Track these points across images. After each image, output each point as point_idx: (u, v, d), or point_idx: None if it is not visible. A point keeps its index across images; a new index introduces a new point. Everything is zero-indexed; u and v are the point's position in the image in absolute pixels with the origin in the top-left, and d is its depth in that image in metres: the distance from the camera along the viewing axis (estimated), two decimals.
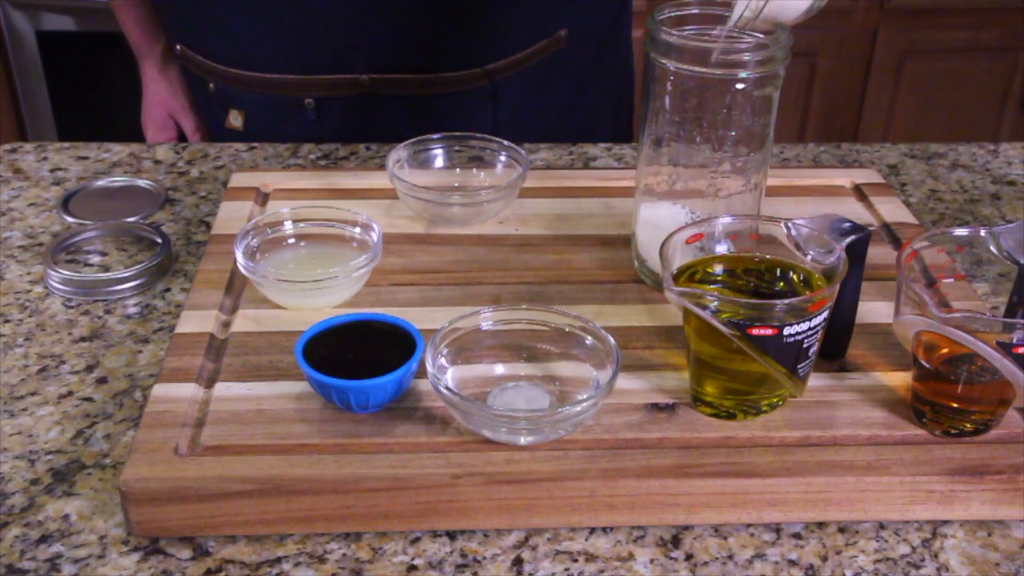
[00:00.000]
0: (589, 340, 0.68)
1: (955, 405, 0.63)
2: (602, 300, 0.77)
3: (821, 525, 0.63)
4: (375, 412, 0.65)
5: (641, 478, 0.60)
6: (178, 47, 1.14)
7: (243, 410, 0.65)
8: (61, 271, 0.83)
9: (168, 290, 0.83)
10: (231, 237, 0.79)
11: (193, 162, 1.04)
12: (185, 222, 0.93)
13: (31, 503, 0.63)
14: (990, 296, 0.75)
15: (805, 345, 0.62)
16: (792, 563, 0.60)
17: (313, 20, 1.03)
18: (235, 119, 1.12)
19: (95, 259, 0.87)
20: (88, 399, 0.72)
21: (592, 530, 0.62)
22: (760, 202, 0.77)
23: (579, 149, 1.07)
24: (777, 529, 0.62)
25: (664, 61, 0.70)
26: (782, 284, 0.68)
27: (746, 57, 0.69)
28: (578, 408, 0.61)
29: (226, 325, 0.74)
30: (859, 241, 0.66)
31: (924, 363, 0.63)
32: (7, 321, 0.79)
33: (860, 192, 0.93)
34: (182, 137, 1.26)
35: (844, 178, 0.95)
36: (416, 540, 0.61)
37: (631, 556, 0.60)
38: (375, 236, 0.78)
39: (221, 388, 0.67)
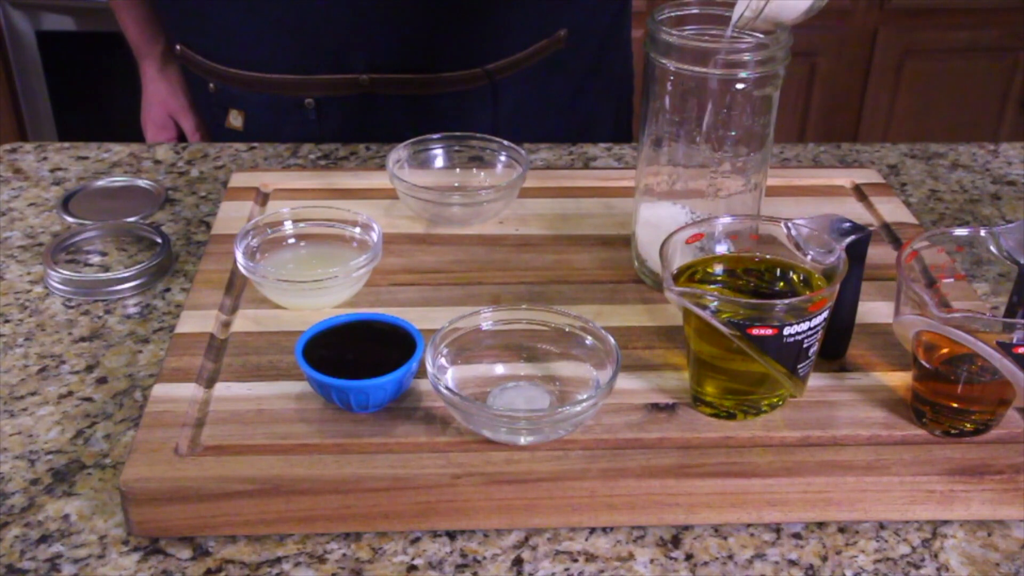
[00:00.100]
0: (589, 340, 0.68)
1: (955, 405, 0.63)
2: (602, 300, 0.77)
3: (821, 525, 0.63)
4: (375, 412, 0.65)
5: (641, 478, 0.60)
6: (178, 47, 1.14)
7: (243, 410, 0.65)
8: (61, 271, 0.83)
9: (168, 290, 0.83)
10: (231, 237, 0.79)
11: (193, 162, 1.04)
12: (185, 222, 0.93)
13: (31, 503, 0.63)
14: (990, 296, 0.75)
15: (805, 345, 0.62)
16: (792, 563, 0.60)
17: (313, 20, 1.03)
18: (235, 119, 1.12)
19: (95, 259, 0.87)
20: (88, 399, 0.72)
21: (592, 530, 0.62)
22: (760, 202, 0.77)
23: (579, 149, 1.07)
24: (777, 529, 0.62)
25: (664, 61, 0.70)
26: (782, 284, 0.68)
27: (746, 57, 0.69)
28: (578, 408, 0.61)
29: (226, 325, 0.74)
30: (859, 241, 0.66)
31: (924, 363, 0.63)
32: (7, 321, 0.79)
33: (860, 192, 0.93)
34: (182, 137, 1.26)
35: (844, 178, 0.95)
36: (416, 540, 0.61)
37: (631, 556, 0.60)
38: (375, 236, 0.78)
39: (221, 388, 0.67)
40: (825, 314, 0.62)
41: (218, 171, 1.02)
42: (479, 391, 0.67)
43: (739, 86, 0.70)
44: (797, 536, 0.62)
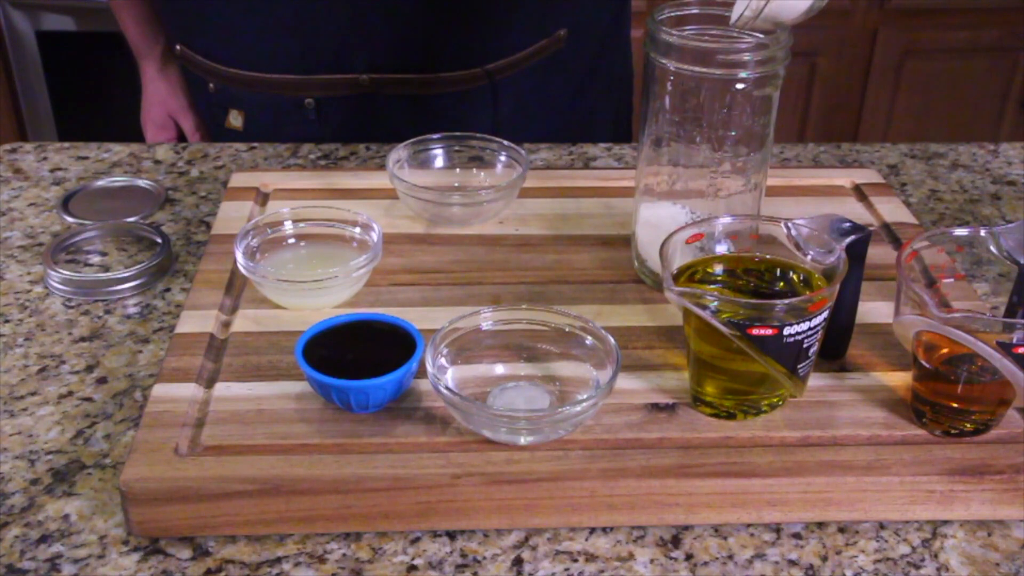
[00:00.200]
0: (589, 340, 0.68)
1: (955, 405, 0.63)
2: (602, 300, 0.77)
3: (821, 525, 0.63)
4: (375, 412, 0.65)
5: (641, 478, 0.60)
6: (178, 47, 1.14)
7: (243, 410, 0.65)
8: (61, 271, 0.83)
9: (168, 290, 0.83)
10: (231, 237, 0.79)
11: (193, 162, 1.04)
12: (185, 222, 0.93)
13: (31, 503, 0.63)
14: (990, 296, 0.75)
15: (805, 345, 0.62)
16: (792, 563, 0.60)
17: (313, 20, 1.03)
18: (235, 119, 1.12)
19: (95, 259, 0.87)
20: (88, 399, 0.72)
21: (592, 530, 0.62)
22: (760, 202, 0.77)
23: (579, 149, 1.07)
24: (777, 529, 0.62)
25: (664, 61, 0.70)
26: (782, 284, 0.68)
27: (746, 57, 0.69)
28: (578, 408, 0.61)
29: (226, 325, 0.74)
30: (859, 241, 0.66)
31: (924, 363, 0.63)
32: (7, 321, 0.79)
33: (860, 192, 0.93)
34: (182, 137, 1.26)
35: (844, 178, 0.95)
36: (416, 540, 0.61)
37: (631, 556, 0.60)
38: (375, 236, 0.78)
39: (221, 388, 0.67)
40: (825, 314, 0.62)
41: (218, 171, 1.02)
42: (479, 391, 0.67)
43: (739, 86, 0.70)
44: (797, 536, 0.62)
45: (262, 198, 0.91)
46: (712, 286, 0.68)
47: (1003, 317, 0.68)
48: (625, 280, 0.80)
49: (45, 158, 1.04)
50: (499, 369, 0.69)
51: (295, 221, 0.81)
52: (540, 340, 0.69)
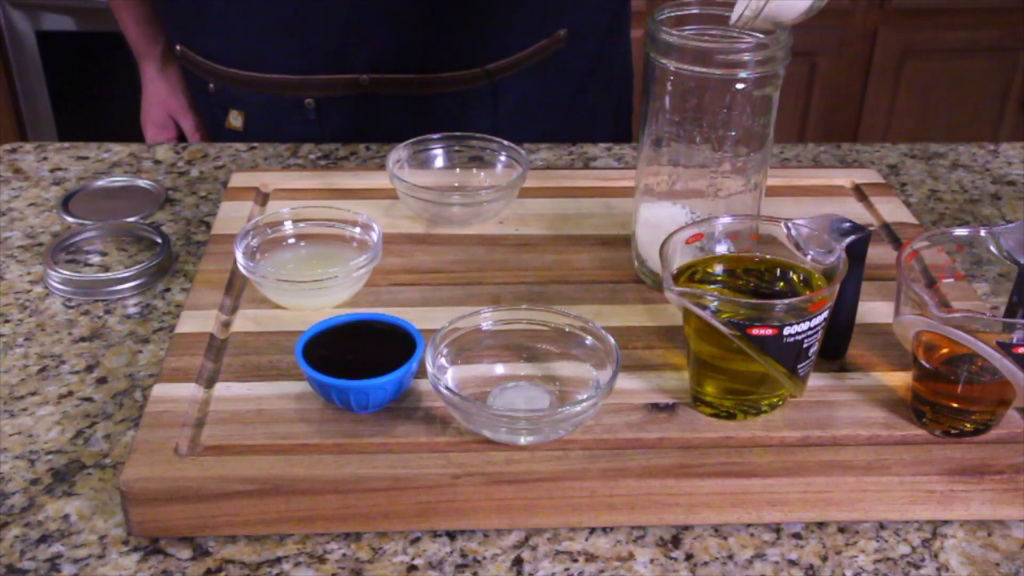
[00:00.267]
0: (589, 340, 0.68)
1: (955, 405, 0.63)
2: (602, 300, 0.77)
3: (821, 525, 0.63)
4: (375, 412, 0.65)
5: (641, 478, 0.60)
6: (178, 47, 1.14)
7: (243, 410, 0.65)
8: (61, 271, 0.83)
9: (168, 290, 0.83)
10: (231, 237, 0.79)
11: (193, 162, 1.04)
12: (185, 222, 0.93)
13: (31, 503, 0.63)
14: (990, 296, 0.75)
15: (805, 345, 0.62)
16: (792, 563, 0.60)
17: (313, 20, 1.03)
18: (235, 119, 1.12)
19: (95, 259, 0.87)
20: (88, 399, 0.72)
21: (592, 530, 0.62)
22: (760, 202, 0.77)
23: (579, 149, 1.07)
24: (777, 529, 0.62)
25: (664, 61, 0.70)
26: (782, 284, 0.68)
27: (746, 57, 0.69)
28: (578, 408, 0.61)
29: (226, 325, 0.74)
30: (859, 241, 0.66)
31: (924, 363, 0.63)
32: (7, 321, 0.79)
33: (860, 192, 0.93)
34: (182, 137, 1.26)
35: (844, 178, 0.95)
36: (416, 540, 0.61)
37: (631, 556, 0.60)
38: (375, 236, 0.78)
39: (221, 388, 0.67)
40: (825, 314, 0.62)
41: (218, 171, 1.02)
42: (479, 391, 0.67)
43: (739, 86, 0.70)
44: (797, 536, 0.62)
45: (262, 198, 0.91)
46: (712, 286, 0.68)
47: (1003, 317, 0.68)
48: (625, 280, 0.80)
49: (45, 158, 1.04)
50: (499, 369, 0.69)
51: (295, 221, 0.81)
52: (540, 340, 0.69)
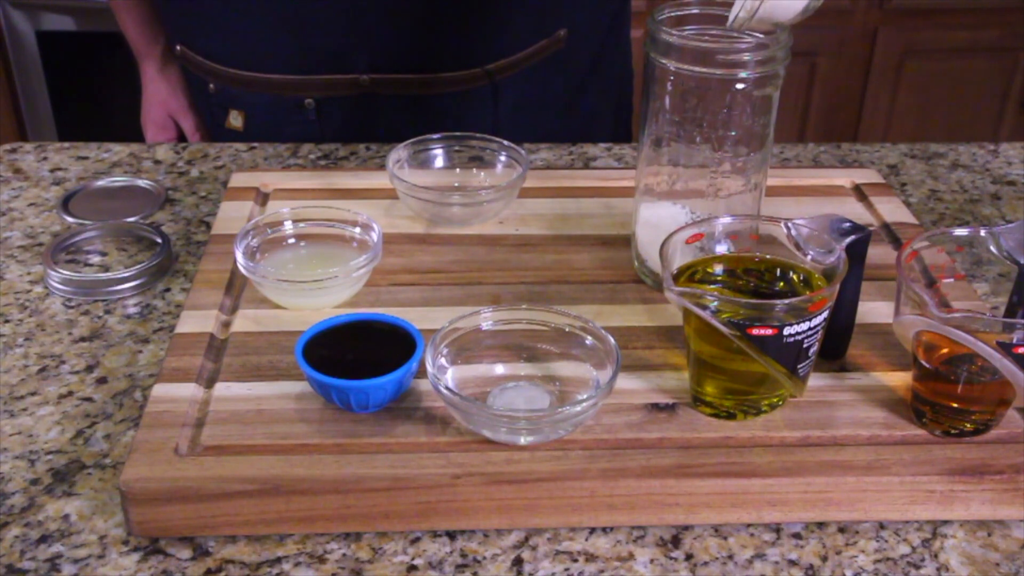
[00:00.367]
0: (589, 340, 0.68)
1: (955, 405, 0.63)
2: (602, 300, 0.77)
3: (821, 525, 0.63)
4: (375, 412, 0.65)
5: (641, 478, 0.60)
6: (178, 48, 1.14)
7: (243, 410, 0.65)
8: (61, 271, 0.83)
9: (168, 290, 0.83)
10: (231, 237, 0.79)
11: (193, 162, 1.04)
12: (185, 222, 0.93)
13: (31, 503, 0.63)
14: (990, 296, 0.75)
15: (805, 345, 0.62)
16: (792, 563, 0.60)
17: (313, 20, 1.03)
18: (235, 120, 1.12)
19: (95, 259, 0.87)
20: (88, 399, 0.72)
21: (592, 530, 0.62)
22: (760, 202, 0.77)
23: (579, 149, 1.07)
24: (777, 529, 0.62)
25: (664, 61, 0.70)
26: (782, 284, 0.68)
27: (746, 57, 0.69)
28: (578, 408, 0.61)
29: (226, 325, 0.74)
30: (859, 241, 0.66)
31: (924, 363, 0.63)
32: (7, 321, 0.79)
33: (860, 192, 0.93)
34: (182, 137, 1.26)
35: (844, 178, 0.95)
36: (416, 540, 0.61)
37: (631, 556, 0.60)
38: (375, 236, 0.78)
39: (221, 388, 0.67)
40: (825, 314, 0.62)
41: (218, 171, 1.02)
42: (479, 391, 0.67)
43: (739, 86, 0.70)
44: (797, 536, 0.62)
45: (262, 198, 0.91)
46: (712, 286, 0.68)
47: (1003, 317, 0.68)
48: (625, 280, 0.80)
49: (45, 158, 1.04)
50: (499, 369, 0.69)
51: (295, 221, 0.81)
52: (540, 340, 0.69)
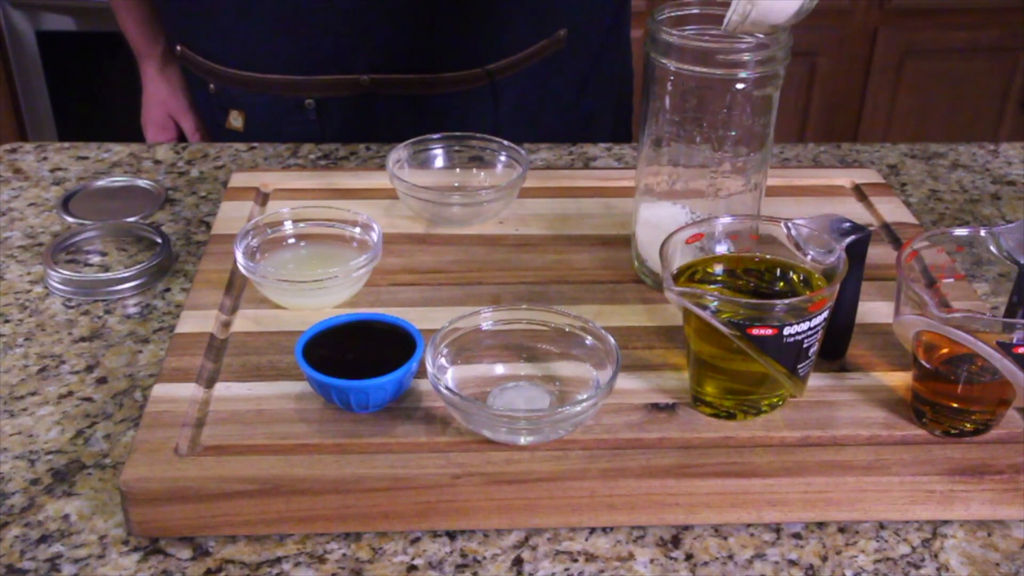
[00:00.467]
0: (589, 340, 0.68)
1: (955, 405, 0.63)
2: (602, 300, 0.77)
3: (821, 525, 0.63)
4: (375, 412, 0.65)
5: (641, 478, 0.60)
6: (178, 48, 1.14)
7: (243, 410, 0.65)
8: (61, 271, 0.83)
9: (168, 290, 0.83)
10: (231, 237, 0.79)
11: (193, 162, 1.04)
12: (185, 222, 0.93)
13: (31, 503, 0.63)
14: (990, 296, 0.75)
15: (805, 345, 0.62)
16: (792, 563, 0.60)
17: (313, 20, 1.03)
18: (235, 120, 1.12)
19: (95, 259, 0.88)
20: (88, 399, 0.72)
21: (592, 530, 0.62)
22: (760, 202, 0.77)
23: (579, 149, 1.07)
24: (777, 529, 0.62)
25: (664, 61, 0.70)
26: (782, 284, 0.68)
27: (746, 57, 0.69)
28: (578, 408, 0.61)
29: (226, 325, 0.74)
30: (859, 241, 0.66)
31: (924, 363, 0.63)
32: (7, 321, 0.79)
33: (860, 192, 0.93)
34: (182, 137, 1.26)
35: (844, 178, 0.95)
36: (416, 540, 0.61)
37: (631, 556, 0.60)
38: (375, 236, 0.78)
39: (221, 388, 0.67)
40: (825, 314, 0.62)
41: (218, 171, 1.02)
42: (479, 391, 0.67)
43: (739, 86, 0.70)
44: (797, 536, 0.62)
45: (262, 198, 0.91)
46: (712, 286, 0.68)
47: (1003, 317, 0.68)
48: (625, 280, 0.80)
49: (45, 158, 1.04)
50: (499, 369, 0.69)
51: (295, 221, 0.81)
52: (540, 340, 0.69)
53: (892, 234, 0.87)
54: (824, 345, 0.65)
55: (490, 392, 0.67)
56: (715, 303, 0.61)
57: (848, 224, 0.67)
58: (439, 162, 0.92)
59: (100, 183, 0.98)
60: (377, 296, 0.77)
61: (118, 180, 1.00)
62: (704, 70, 0.69)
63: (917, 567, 0.60)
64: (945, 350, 0.63)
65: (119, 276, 0.83)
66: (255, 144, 1.08)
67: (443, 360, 0.66)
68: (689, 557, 0.60)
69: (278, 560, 0.60)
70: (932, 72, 2.31)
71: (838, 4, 2.22)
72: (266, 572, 0.59)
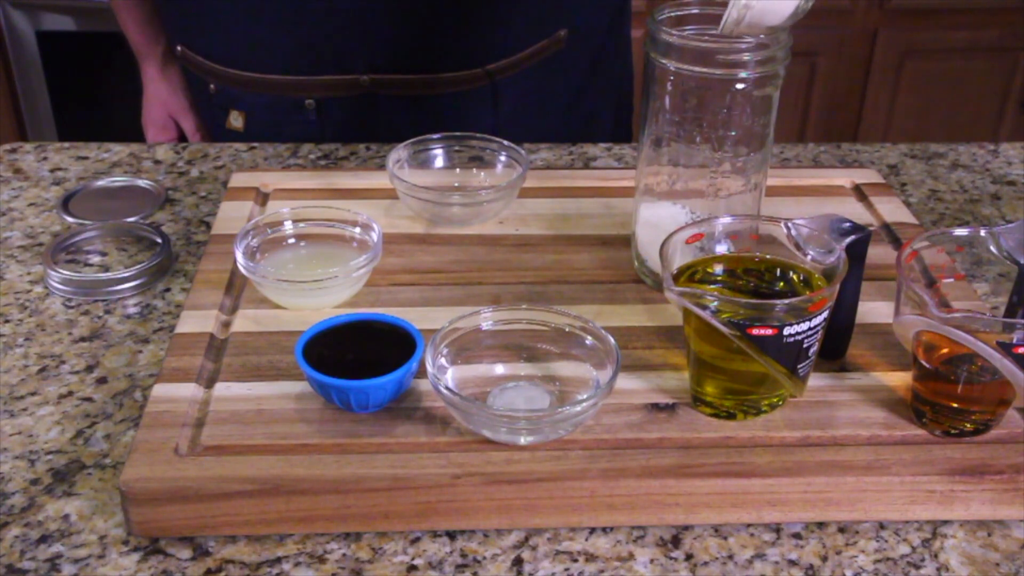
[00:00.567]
0: (589, 340, 0.68)
1: (955, 405, 0.63)
2: (602, 300, 0.77)
3: (821, 525, 0.63)
4: (375, 412, 0.65)
5: (641, 478, 0.60)
6: (179, 48, 1.14)
7: (243, 410, 0.65)
8: (61, 271, 0.83)
9: (168, 290, 0.84)
10: (231, 237, 0.79)
11: (193, 162, 1.04)
12: (185, 222, 0.93)
13: (31, 503, 0.63)
14: (990, 296, 0.75)
15: (805, 345, 0.62)
16: (792, 563, 0.60)
17: (313, 20, 1.03)
18: (236, 120, 1.12)
19: (95, 259, 0.88)
20: (88, 399, 0.72)
21: (592, 530, 0.62)
22: (760, 202, 0.77)
23: (579, 149, 1.07)
24: (777, 529, 0.62)
25: (664, 61, 0.70)
26: (782, 284, 0.68)
27: (746, 57, 0.69)
28: (578, 408, 0.61)
29: (226, 325, 0.74)
30: (859, 241, 0.66)
31: (924, 363, 0.63)
32: (7, 321, 0.79)
33: (860, 192, 0.93)
34: (182, 137, 1.26)
35: (844, 178, 0.95)
36: (416, 540, 0.61)
37: (631, 556, 0.60)
38: (375, 236, 0.78)
39: (221, 388, 0.67)
40: (825, 314, 0.62)
41: (218, 171, 1.02)
42: (479, 391, 0.67)
43: (739, 86, 0.70)
44: (797, 536, 0.62)
45: (262, 198, 0.91)
46: (712, 286, 0.68)
47: (1003, 317, 0.68)
48: (625, 280, 0.80)
49: (45, 158, 1.04)
50: (499, 369, 0.69)
51: (295, 221, 0.81)
52: (540, 340, 0.69)
53: (892, 234, 0.87)
54: (824, 345, 0.65)
55: (490, 392, 0.67)
56: (715, 303, 0.61)
57: (848, 224, 0.67)
58: (439, 162, 0.92)
59: (100, 183, 0.99)
60: (377, 296, 0.77)
61: (118, 180, 1.00)
62: (704, 70, 0.69)
63: (917, 567, 0.60)
64: (945, 350, 0.63)
65: (119, 276, 0.83)
66: (255, 144, 1.08)
67: (443, 360, 0.66)
68: (689, 557, 0.60)
69: (278, 560, 0.60)
70: (932, 72, 2.31)
71: (838, 4, 2.22)
72: (266, 572, 0.59)
